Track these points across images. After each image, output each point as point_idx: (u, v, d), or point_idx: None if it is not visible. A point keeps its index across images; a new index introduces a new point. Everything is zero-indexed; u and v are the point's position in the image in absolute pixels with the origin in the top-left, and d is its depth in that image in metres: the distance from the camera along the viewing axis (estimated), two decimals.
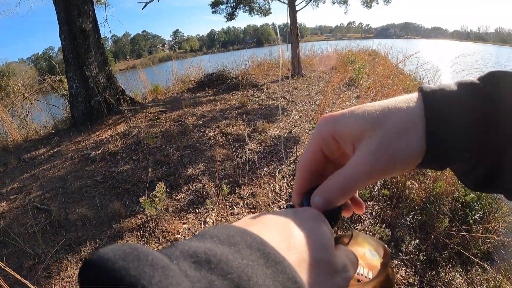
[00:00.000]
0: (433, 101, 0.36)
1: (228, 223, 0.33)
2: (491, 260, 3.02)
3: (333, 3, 12.96)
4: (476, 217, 3.24)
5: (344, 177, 0.37)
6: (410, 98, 0.38)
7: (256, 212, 3.40)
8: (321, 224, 0.34)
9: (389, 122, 0.37)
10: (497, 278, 2.63)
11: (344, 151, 0.41)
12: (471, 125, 0.35)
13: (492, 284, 2.60)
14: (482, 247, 3.03)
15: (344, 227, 3.09)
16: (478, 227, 3.12)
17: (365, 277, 0.41)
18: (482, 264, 2.83)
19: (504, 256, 3.03)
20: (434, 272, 2.74)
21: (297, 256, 0.28)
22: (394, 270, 2.71)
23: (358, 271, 0.41)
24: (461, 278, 2.68)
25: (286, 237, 0.30)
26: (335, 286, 0.30)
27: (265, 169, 4.25)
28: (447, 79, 8.32)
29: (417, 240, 3.00)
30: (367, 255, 0.42)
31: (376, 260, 0.42)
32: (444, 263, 2.82)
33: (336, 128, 0.39)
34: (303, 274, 0.27)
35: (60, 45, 6.79)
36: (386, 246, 0.42)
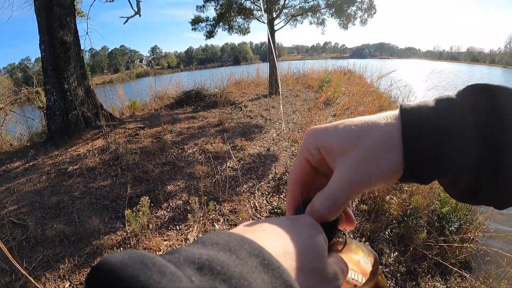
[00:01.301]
0: (411, 118, 0.37)
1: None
2: (469, 269, 3.15)
3: (311, 23, 13.17)
4: (453, 228, 3.37)
5: (327, 196, 0.39)
6: (389, 115, 0.39)
7: None
8: (316, 233, 0.35)
9: (367, 139, 0.38)
10: (476, 285, 2.75)
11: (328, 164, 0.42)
12: (447, 140, 0.35)
13: None
14: (459, 256, 3.15)
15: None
16: (455, 238, 3.25)
17: (360, 282, 0.42)
18: (461, 272, 2.95)
19: (481, 264, 3.16)
20: (414, 282, 2.83)
21: (293, 263, 0.30)
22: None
23: (353, 277, 0.43)
24: (441, 287, 2.78)
25: (283, 244, 0.31)
26: None
27: (245, 186, 4.29)
28: (421, 96, 8.60)
29: (396, 253, 3.10)
30: (361, 262, 0.44)
31: (369, 268, 0.43)
32: (423, 274, 2.92)
33: (320, 141, 0.41)
34: (298, 280, 0.29)
35: (38, 56, 6.71)
36: (376, 254, 0.44)
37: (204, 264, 0.24)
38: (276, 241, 0.32)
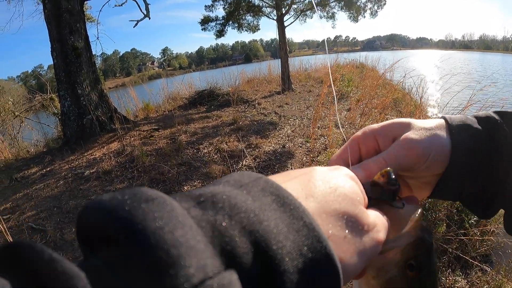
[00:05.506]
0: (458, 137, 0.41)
1: None
2: (490, 262, 3.05)
3: (321, 17, 13.06)
4: (472, 221, 3.26)
5: (383, 155, 0.41)
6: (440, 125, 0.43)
7: None
8: (352, 180, 0.31)
9: (422, 123, 0.43)
10: (498, 279, 2.66)
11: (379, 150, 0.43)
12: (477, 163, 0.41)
13: (493, 285, 2.62)
14: (480, 249, 3.06)
15: None
16: (475, 231, 3.15)
17: None
18: (482, 266, 2.86)
19: (502, 257, 3.07)
20: None
21: (317, 205, 0.26)
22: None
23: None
24: (462, 281, 2.70)
25: (307, 185, 0.28)
26: (362, 246, 0.27)
27: None
28: (434, 88, 8.43)
29: None
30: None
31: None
32: (444, 268, 2.84)
33: (376, 130, 0.44)
34: (323, 225, 0.25)
35: (51, 63, 6.77)
36: (420, 208, 0.37)
37: (207, 198, 0.22)
38: (299, 183, 0.28)
